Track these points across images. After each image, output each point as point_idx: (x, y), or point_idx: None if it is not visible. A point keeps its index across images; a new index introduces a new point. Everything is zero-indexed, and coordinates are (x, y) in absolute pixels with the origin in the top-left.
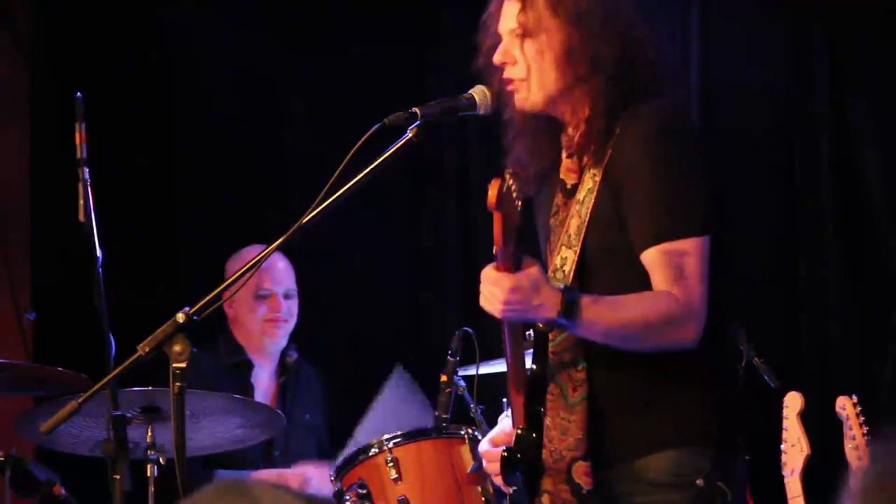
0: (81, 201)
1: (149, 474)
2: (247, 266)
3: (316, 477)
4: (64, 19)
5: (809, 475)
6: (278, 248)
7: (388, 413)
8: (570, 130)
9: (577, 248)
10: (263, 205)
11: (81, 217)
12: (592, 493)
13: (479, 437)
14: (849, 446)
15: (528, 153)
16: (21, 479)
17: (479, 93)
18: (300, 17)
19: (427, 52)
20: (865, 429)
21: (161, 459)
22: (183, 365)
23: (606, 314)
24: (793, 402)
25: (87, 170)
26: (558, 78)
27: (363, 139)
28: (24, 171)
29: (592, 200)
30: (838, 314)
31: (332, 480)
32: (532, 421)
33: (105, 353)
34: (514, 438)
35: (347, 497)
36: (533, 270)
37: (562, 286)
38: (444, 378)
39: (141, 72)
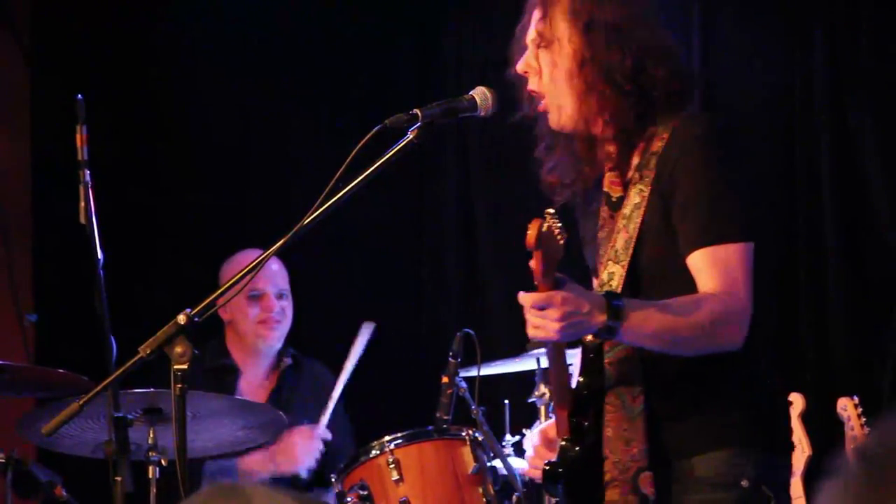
0: (82, 203)
1: (150, 476)
2: (249, 266)
3: (302, 442)
4: (64, 20)
5: (811, 476)
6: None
7: (351, 365)
8: (606, 144)
9: (626, 263)
10: (264, 207)
11: (82, 219)
12: (656, 501)
13: (480, 439)
14: (850, 447)
15: (568, 166)
16: (22, 481)
17: (479, 94)
18: (302, 18)
19: (428, 54)
20: (867, 429)
21: (162, 461)
22: (184, 366)
23: (653, 316)
24: (794, 403)
25: (88, 172)
26: (570, 89)
27: (364, 141)
28: (26, 173)
29: (641, 215)
30: (839, 315)
31: (332, 481)
32: (575, 433)
33: (106, 354)
34: (557, 449)
35: (349, 498)
36: (567, 280)
37: (604, 292)
38: (445, 379)
39: (142, 73)
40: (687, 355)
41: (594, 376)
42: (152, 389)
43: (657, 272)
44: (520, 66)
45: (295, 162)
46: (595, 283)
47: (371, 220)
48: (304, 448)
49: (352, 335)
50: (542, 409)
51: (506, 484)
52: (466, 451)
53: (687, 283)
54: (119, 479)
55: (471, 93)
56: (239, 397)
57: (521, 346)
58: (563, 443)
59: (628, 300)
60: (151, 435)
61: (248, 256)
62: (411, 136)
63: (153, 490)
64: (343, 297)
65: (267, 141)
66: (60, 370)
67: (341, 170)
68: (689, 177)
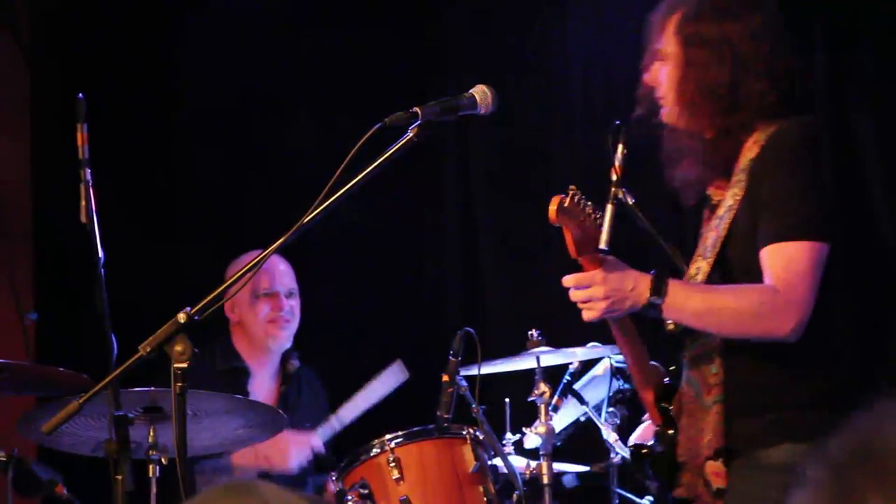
0: (83, 202)
1: (151, 474)
2: (249, 265)
3: (296, 443)
4: (65, 20)
5: None
6: (278, 250)
7: (372, 399)
8: (716, 151)
9: (711, 260)
10: (265, 205)
11: (83, 218)
12: (723, 491)
13: (481, 437)
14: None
15: (689, 169)
16: (23, 479)
17: (479, 92)
18: (302, 17)
19: (428, 54)
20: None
21: (163, 459)
22: (184, 365)
23: (695, 297)
24: None
25: (88, 171)
26: (678, 102)
27: (364, 139)
28: (26, 172)
29: (731, 217)
30: (838, 314)
31: (333, 480)
32: (665, 419)
33: (107, 353)
34: (654, 436)
35: (349, 497)
36: (610, 259)
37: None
38: (445, 378)
39: (143, 72)
40: (732, 338)
41: (678, 365)
42: (153, 388)
43: (741, 270)
44: (645, 79)
45: (296, 160)
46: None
47: (372, 220)
48: (295, 450)
49: (352, 336)
50: (542, 407)
51: (506, 483)
52: (467, 450)
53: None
54: (120, 477)
55: (470, 91)
56: (239, 396)
57: (521, 344)
58: (658, 429)
59: (672, 280)
60: (152, 433)
61: (253, 257)
62: (411, 135)
63: (153, 489)
64: (343, 297)
65: (268, 139)
66: (61, 369)
67: (341, 168)
68: (771, 179)
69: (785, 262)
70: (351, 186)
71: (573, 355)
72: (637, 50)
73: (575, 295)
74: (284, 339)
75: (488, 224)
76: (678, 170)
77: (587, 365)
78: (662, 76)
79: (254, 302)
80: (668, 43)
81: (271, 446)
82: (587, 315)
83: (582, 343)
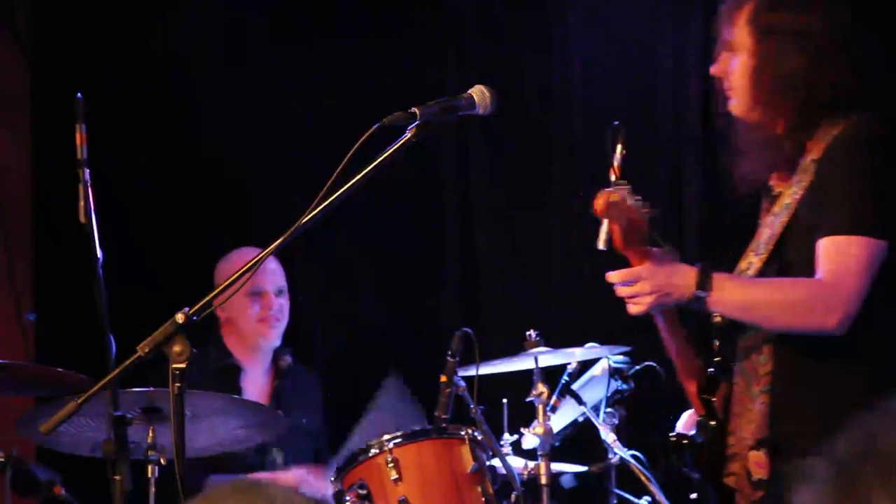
0: (82, 202)
1: (149, 475)
2: (247, 266)
3: (312, 480)
4: (65, 19)
5: None
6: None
7: (382, 421)
8: (784, 143)
9: (764, 256)
10: (262, 205)
11: (82, 218)
12: (764, 482)
13: (479, 438)
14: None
15: (754, 160)
16: (22, 480)
17: (477, 93)
18: (302, 17)
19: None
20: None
21: (161, 460)
22: (182, 365)
23: (740, 290)
24: None
25: (87, 171)
26: (750, 94)
27: (362, 140)
28: (26, 172)
29: (788, 215)
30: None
31: (332, 481)
32: (708, 410)
33: (105, 353)
34: (697, 426)
35: (348, 497)
36: (656, 251)
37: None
38: (443, 378)
39: (141, 72)
40: (776, 331)
41: (724, 357)
42: (151, 388)
43: (799, 267)
44: (713, 70)
45: (294, 160)
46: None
47: (369, 220)
48: (312, 490)
49: (349, 336)
50: (540, 408)
51: (504, 483)
52: (465, 451)
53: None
54: (118, 477)
55: (469, 91)
56: (238, 396)
57: (519, 345)
58: (700, 419)
59: (718, 273)
60: (150, 434)
61: (244, 255)
62: (409, 135)
63: (152, 489)
64: (340, 297)
65: (266, 139)
66: (60, 369)
67: (339, 169)
68: (834, 176)
69: (836, 256)
70: (349, 187)
71: (571, 356)
72: (636, 50)
73: (621, 291)
74: (274, 337)
75: (486, 224)
76: (741, 162)
77: (585, 365)
78: (733, 67)
79: (243, 301)
80: (740, 33)
81: (288, 479)
82: (633, 309)
83: (580, 343)
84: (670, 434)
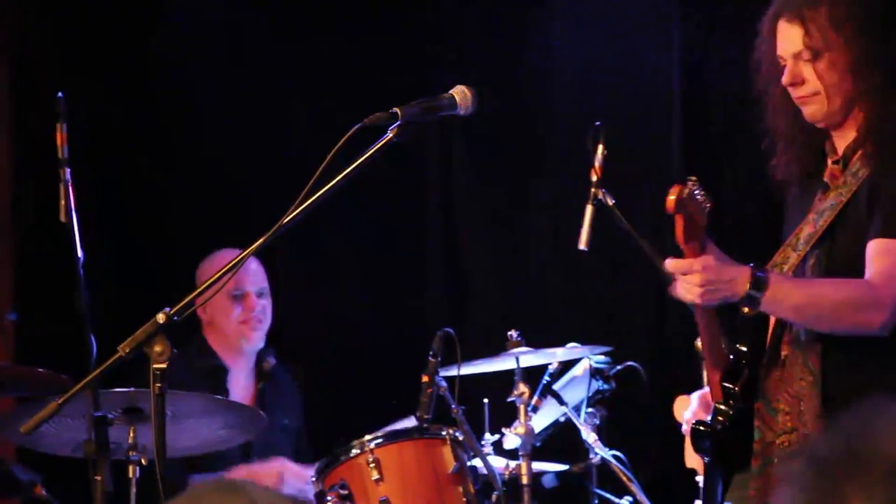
0: (63, 202)
1: (130, 475)
2: (228, 266)
3: (290, 472)
4: (46, 18)
5: None
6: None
7: None
8: (839, 139)
9: (802, 253)
10: (244, 206)
11: (63, 217)
12: None
13: (460, 438)
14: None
15: (794, 158)
16: (2, 480)
17: (459, 93)
18: (296, 15)
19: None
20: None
21: (143, 460)
22: (163, 365)
23: (794, 291)
24: None
25: (68, 170)
26: (852, 89)
27: (343, 140)
28: (7, 171)
29: (832, 216)
30: None
31: (313, 481)
32: (727, 397)
33: (86, 353)
34: (712, 411)
35: (329, 497)
36: (714, 249)
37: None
38: (425, 378)
39: (125, 71)
40: (823, 332)
41: (750, 346)
42: (132, 388)
43: (838, 265)
44: (786, 79)
45: (276, 160)
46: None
47: (353, 219)
48: (292, 479)
49: (331, 336)
50: (522, 408)
51: (486, 483)
52: (447, 451)
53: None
54: (99, 478)
55: (450, 91)
56: (219, 396)
57: (500, 345)
58: (718, 405)
59: (773, 273)
60: (131, 434)
61: (226, 256)
62: (391, 135)
63: (133, 489)
64: (323, 297)
65: (248, 140)
66: (40, 369)
67: (320, 169)
68: (889, 180)
69: (885, 258)
70: (331, 187)
71: (552, 356)
72: (619, 50)
73: (680, 281)
74: (257, 339)
75: (470, 224)
76: (798, 163)
77: (566, 365)
78: (818, 71)
79: (225, 302)
80: (822, 37)
81: (268, 471)
82: (682, 296)
83: (561, 344)
84: (693, 421)
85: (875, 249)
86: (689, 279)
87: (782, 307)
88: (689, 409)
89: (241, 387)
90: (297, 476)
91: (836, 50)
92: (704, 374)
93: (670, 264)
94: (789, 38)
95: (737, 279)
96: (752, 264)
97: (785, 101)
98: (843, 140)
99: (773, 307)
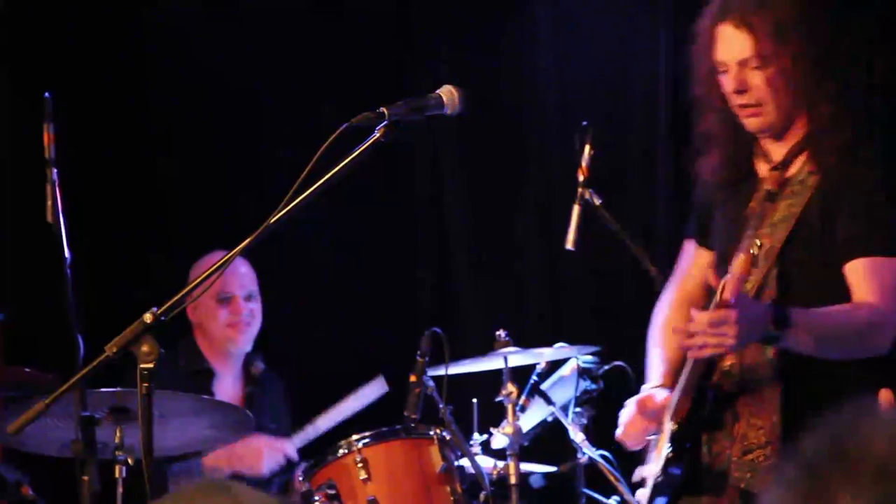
0: (49, 202)
1: (117, 475)
2: (214, 266)
3: (269, 446)
4: (32, 17)
5: None
6: (243, 251)
7: (350, 411)
8: (774, 145)
9: (764, 270)
10: (234, 206)
11: (50, 218)
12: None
13: (448, 438)
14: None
15: (723, 162)
16: None
17: (446, 93)
18: (276, 14)
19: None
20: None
21: (129, 460)
22: (150, 365)
23: (816, 323)
24: None
25: (55, 170)
26: (798, 98)
27: (330, 140)
28: None
29: (788, 228)
30: None
31: (300, 481)
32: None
33: (73, 353)
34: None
35: (317, 497)
36: (743, 299)
37: (769, 302)
38: (413, 378)
39: (111, 71)
40: (837, 358)
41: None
42: (119, 388)
43: (807, 273)
44: (731, 87)
45: (266, 161)
46: (735, 266)
47: (341, 220)
48: (269, 455)
49: (319, 337)
50: (510, 407)
51: (473, 483)
52: (434, 451)
53: (829, 292)
54: (86, 478)
55: (437, 91)
56: (207, 397)
57: (488, 344)
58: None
59: (793, 309)
60: (118, 434)
61: (217, 257)
62: (378, 135)
63: (120, 489)
64: (312, 298)
65: (236, 139)
66: (27, 369)
67: (307, 169)
68: (857, 191)
69: (882, 277)
70: (318, 187)
71: (540, 356)
72: (607, 51)
73: (705, 333)
74: (244, 342)
75: (458, 225)
76: (727, 168)
77: (554, 365)
78: (764, 79)
79: (212, 305)
80: (769, 46)
81: (245, 449)
82: (707, 351)
83: (549, 343)
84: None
85: (862, 269)
86: (724, 330)
87: (804, 342)
88: (625, 412)
89: (229, 390)
90: (276, 449)
91: (785, 58)
92: (654, 378)
93: (702, 317)
94: (735, 44)
95: (762, 320)
96: (772, 305)
97: (720, 105)
98: (778, 146)
99: (794, 342)
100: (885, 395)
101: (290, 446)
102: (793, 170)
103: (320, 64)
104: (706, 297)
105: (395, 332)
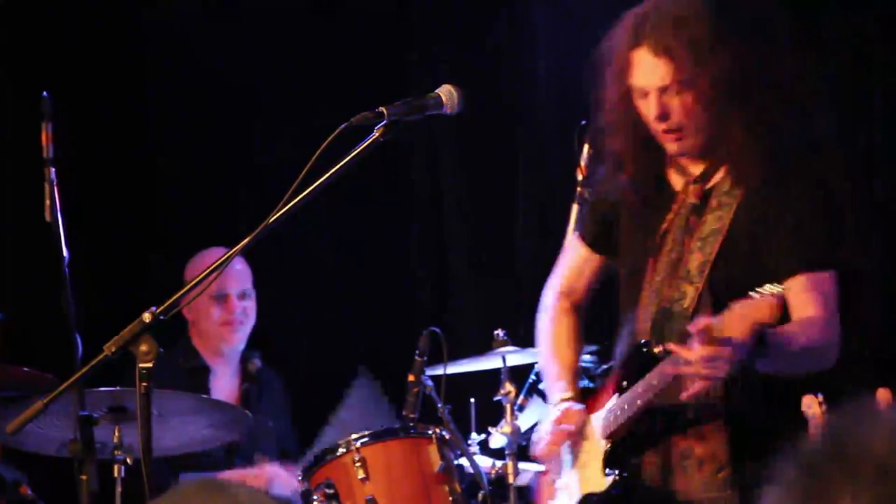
0: (48, 201)
1: (116, 474)
2: (215, 265)
3: (279, 476)
4: (31, 16)
5: None
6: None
7: (353, 418)
8: (692, 161)
9: (700, 285)
10: (231, 205)
11: (48, 217)
12: None
13: (447, 437)
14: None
15: (634, 180)
16: None
17: (445, 92)
18: (271, 15)
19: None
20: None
21: (128, 459)
22: (149, 365)
23: (789, 342)
24: None
25: (53, 169)
26: (711, 123)
27: (329, 139)
28: None
29: (719, 241)
30: None
31: (299, 480)
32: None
33: (72, 353)
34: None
35: (315, 497)
36: (728, 321)
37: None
38: (411, 378)
39: (111, 71)
40: (797, 374)
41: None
42: (118, 388)
43: (734, 293)
44: (654, 113)
45: (263, 160)
46: (648, 288)
47: (339, 218)
48: (280, 485)
49: (317, 336)
50: (508, 407)
51: (472, 482)
52: (433, 450)
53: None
54: (84, 477)
55: (437, 91)
56: (205, 395)
57: (486, 344)
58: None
59: (768, 332)
60: (117, 433)
61: (213, 255)
62: (377, 134)
63: (119, 489)
64: (308, 297)
65: (234, 139)
66: (25, 368)
67: (306, 168)
68: (784, 207)
69: (823, 292)
70: (316, 186)
71: (538, 355)
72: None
73: (698, 365)
74: (237, 341)
75: (457, 224)
76: (638, 185)
77: None
78: (685, 103)
79: (207, 303)
80: (688, 72)
81: (257, 477)
82: (700, 385)
83: None
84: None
85: (803, 285)
86: (717, 365)
87: (779, 361)
88: (544, 428)
89: (224, 387)
90: (286, 481)
91: (703, 81)
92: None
93: (699, 354)
94: (655, 71)
95: (749, 351)
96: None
97: (631, 125)
98: (697, 162)
99: (773, 362)
100: (883, 394)
101: (295, 479)
102: (713, 181)
103: (320, 64)
104: (590, 298)
105: (393, 332)
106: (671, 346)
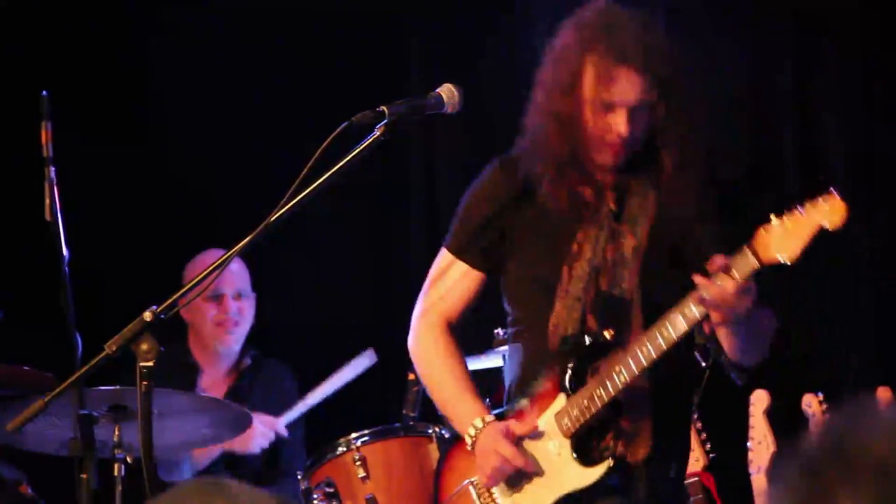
0: (47, 200)
1: (116, 473)
2: (214, 264)
3: (259, 426)
4: (31, 16)
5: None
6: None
7: (339, 384)
8: (608, 174)
9: (635, 266)
10: (231, 205)
11: (48, 216)
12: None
13: (446, 435)
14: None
15: (569, 187)
16: None
17: (446, 91)
18: (270, 16)
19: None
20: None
21: (128, 458)
22: (150, 363)
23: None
24: (759, 400)
25: (53, 168)
26: (645, 139)
27: (330, 138)
28: None
29: (648, 222)
30: (803, 312)
31: (299, 479)
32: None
33: (72, 351)
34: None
35: (315, 495)
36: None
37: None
38: (411, 376)
39: (111, 70)
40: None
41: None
42: (118, 386)
43: (663, 292)
44: (623, 129)
45: (263, 160)
46: (564, 285)
47: (339, 215)
48: (259, 431)
49: (319, 332)
50: None
51: None
52: (433, 448)
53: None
54: (85, 476)
55: (437, 90)
56: (203, 394)
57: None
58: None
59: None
60: (117, 432)
61: (212, 256)
62: (378, 133)
63: (119, 487)
64: (312, 292)
65: (234, 138)
66: (25, 367)
67: (307, 168)
68: (706, 217)
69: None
70: (318, 185)
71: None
72: None
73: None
74: (232, 342)
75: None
76: (568, 195)
77: None
78: (644, 121)
79: (202, 304)
80: (654, 95)
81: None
82: (727, 315)
83: None
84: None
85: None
86: (747, 299)
87: (751, 327)
88: (508, 450)
89: (213, 384)
90: (266, 427)
91: (661, 106)
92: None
93: (733, 287)
94: (637, 89)
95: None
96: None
97: (577, 134)
98: (610, 173)
99: (747, 327)
100: (883, 394)
101: (279, 423)
102: (628, 187)
103: (320, 64)
104: (466, 317)
105: (393, 331)
106: (697, 279)
